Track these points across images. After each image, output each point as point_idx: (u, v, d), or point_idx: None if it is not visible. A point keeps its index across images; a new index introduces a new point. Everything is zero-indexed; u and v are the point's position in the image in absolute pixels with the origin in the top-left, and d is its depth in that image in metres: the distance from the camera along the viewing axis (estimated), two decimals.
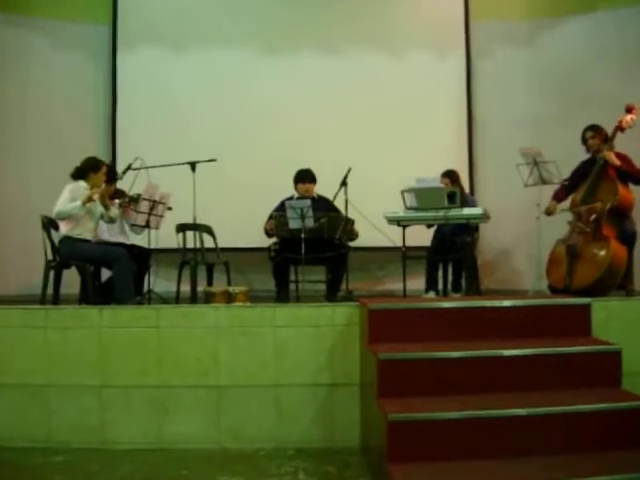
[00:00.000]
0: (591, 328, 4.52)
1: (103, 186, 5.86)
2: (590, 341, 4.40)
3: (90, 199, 5.63)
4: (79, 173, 5.81)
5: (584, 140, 5.93)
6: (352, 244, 6.55)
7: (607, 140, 5.74)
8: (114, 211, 6.00)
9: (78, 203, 5.59)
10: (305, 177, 6.83)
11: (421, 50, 7.99)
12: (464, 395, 3.94)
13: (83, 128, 7.85)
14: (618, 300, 5.05)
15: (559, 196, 6.11)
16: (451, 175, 6.93)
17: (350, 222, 6.37)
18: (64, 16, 7.84)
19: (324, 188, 6.79)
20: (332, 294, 6.35)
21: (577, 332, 4.49)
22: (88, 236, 5.80)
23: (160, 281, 6.84)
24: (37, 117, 7.75)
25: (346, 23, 7.97)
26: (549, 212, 6.09)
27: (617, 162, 5.61)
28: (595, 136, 5.85)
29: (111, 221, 6.07)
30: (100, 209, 5.87)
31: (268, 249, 6.54)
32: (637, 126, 5.69)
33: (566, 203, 6.02)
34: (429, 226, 6.83)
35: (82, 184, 5.77)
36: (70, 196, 5.64)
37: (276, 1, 8.02)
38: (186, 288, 6.40)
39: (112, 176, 6.22)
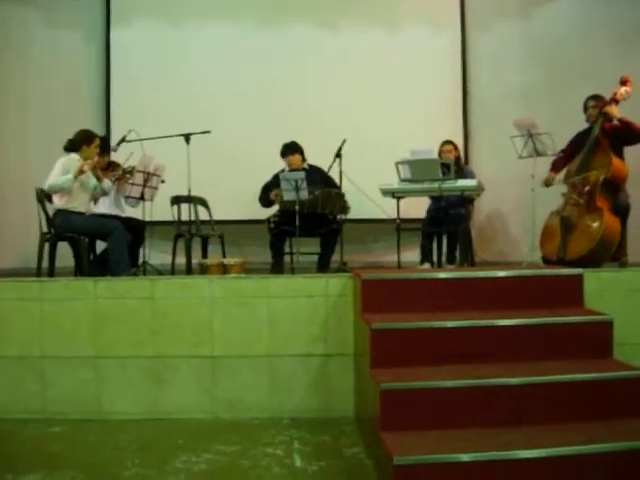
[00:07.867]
0: (583, 299, 4.54)
1: (96, 158, 5.84)
2: (582, 311, 4.42)
3: (81, 171, 5.62)
4: (72, 146, 5.80)
5: (585, 109, 5.98)
6: (347, 216, 6.55)
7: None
8: (107, 183, 5.98)
9: (70, 176, 5.58)
10: (286, 151, 6.84)
11: (417, 23, 7.92)
12: (457, 364, 3.96)
13: (78, 101, 7.81)
14: (610, 271, 5.09)
15: (557, 166, 6.12)
16: (453, 142, 6.96)
17: (341, 197, 6.37)
18: None
19: (319, 160, 6.78)
20: (321, 268, 6.36)
21: (569, 302, 4.51)
22: (82, 208, 5.79)
23: (155, 253, 6.84)
24: (33, 91, 7.72)
25: None
26: (548, 183, 6.08)
27: (617, 115, 5.62)
28: (596, 106, 5.88)
29: (104, 193, 6.03)
30: (93, 181, 5.85)
31: (267, 221, 6.53)
32: (632, 99, 5.70)
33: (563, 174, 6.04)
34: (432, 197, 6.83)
35: (74, 156, 5.75)
36: (62, 169, 5.63)
37: None
38: (181, 260, 6.41)
39: (105, 147, 6.21)
